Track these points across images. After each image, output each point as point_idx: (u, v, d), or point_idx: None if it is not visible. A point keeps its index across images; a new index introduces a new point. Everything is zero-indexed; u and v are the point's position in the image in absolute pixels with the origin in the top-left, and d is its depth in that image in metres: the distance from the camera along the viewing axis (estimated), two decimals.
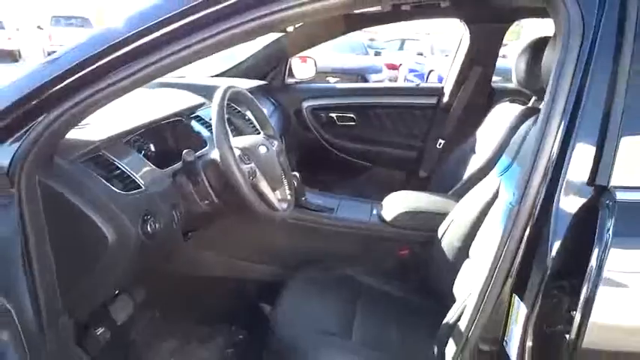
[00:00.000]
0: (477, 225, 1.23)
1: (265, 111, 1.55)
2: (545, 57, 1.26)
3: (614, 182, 0.71)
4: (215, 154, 1.24)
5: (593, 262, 0.68)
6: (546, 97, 0.79)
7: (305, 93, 2.57)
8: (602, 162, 0.72)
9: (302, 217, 1.66)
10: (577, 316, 0.69)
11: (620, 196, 0.69)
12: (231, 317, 1.70)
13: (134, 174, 1.12)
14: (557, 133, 0.76)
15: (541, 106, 0.85)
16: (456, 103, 2.39)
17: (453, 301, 1.10)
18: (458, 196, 1.53)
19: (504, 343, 0.83)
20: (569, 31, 0.77)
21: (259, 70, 2.41)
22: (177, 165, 1.28)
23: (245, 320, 1.67)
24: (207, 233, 1.53)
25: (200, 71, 2.31)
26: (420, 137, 2.52)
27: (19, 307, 0.77)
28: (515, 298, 0.80)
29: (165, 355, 1.55)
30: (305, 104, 2.54)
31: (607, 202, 0.70)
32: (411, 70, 9.66)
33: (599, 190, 0.72)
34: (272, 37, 2.38)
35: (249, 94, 1.45)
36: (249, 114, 1.71)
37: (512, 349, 0.79)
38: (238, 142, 1.32)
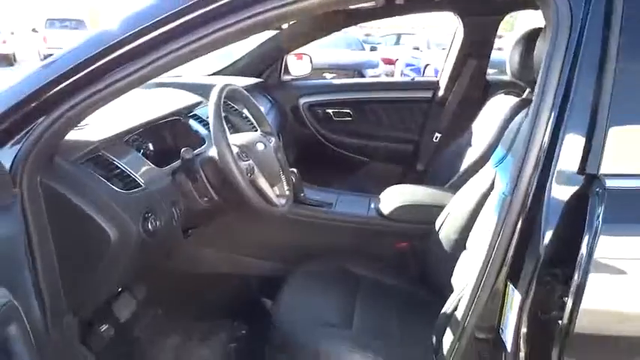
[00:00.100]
0: (474, 216, 1.24)
1: (262, 108, 1.56)
2: (537, 48, 1.28)
3: (603, 170, 0.73)
4: (213, 152, 1.26)
5: (584, 248, 0.70)
6: (537, 88, 0.81)
7: (301, 90, 2.58)
8: (591, 151, 0.74)
9: (301, 212, 1.68)
10: (569, 302, 0.71)
11: (610, 183, 0.71)
12: (233, 313, 1.72)
13: (134, 173, 1.14)
14: (547, 124, 0.78)
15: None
16: (452, 97, 2.41)
17: (451, 291, 1.12)
18: (455, 188, 1.54)
19: (500, 330, 0.85)
20: (557, 23, 0.79)
21: (255, 68, 2.42)
22: (176, 163, 1.30)
23: (246, 315, 1.68)
24: (207, 230, 1.55)
25: (196, 70, 2.32)
26: (417, 131, 2.53)
27: (26, 304, 0.79)
28: (510, 287, 0.82)
29: (169, 352, 1.57)
30: (301, 101, 2.55)
31: (597, 189, 0.71)
32: (408, 65, 9.67)
33: (589, 178, 0.74)
34: (267, 34, 2.39)
35: (245, 91, 1.46)
36: (246, 112, 1.73)
37: (508, 336, 0.81)
38: (236, 139, 1.34)
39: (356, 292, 1.39)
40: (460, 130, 2.06)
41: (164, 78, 1.92)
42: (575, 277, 0.70)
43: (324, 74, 6.11)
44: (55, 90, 0.85)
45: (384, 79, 6.85)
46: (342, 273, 1.49)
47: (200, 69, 2.35)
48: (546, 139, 0.78)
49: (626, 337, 0.75)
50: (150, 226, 1.10)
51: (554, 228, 0.75)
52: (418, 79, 3.47)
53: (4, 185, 0.79)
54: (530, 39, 1.37)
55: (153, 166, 1.23)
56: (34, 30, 13.26)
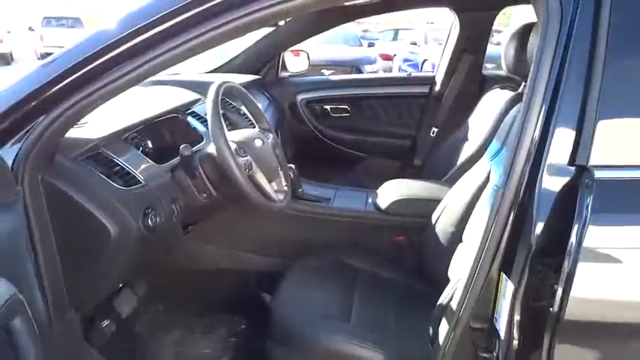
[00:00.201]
0: (469, 210, 1.26)
1: (260, 105, 1.57)
2: (530, 43, 1.29)
3: (592, 162, 0.74)
4: (211, 149, 1.27)
5: (574, 237, 0.71)
6: (528, 82, 0.83)
7: (299, 86, 2.59)
8: (581, 143, 0.75)
9: (299, 207, 1.70)
10: (559, 290, 0.73)
11: (599, 174, 0.72)
12: (233, 308, 1.73)
13: (133, 170, 1.15)
14: (538, 117, 0.79)
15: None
16: (448, 92, 2.42)
17: (447, 283, 1.14)
18: (451, 182, 1.55)
19: (494, 319, 0.87)
20: (547, 18, 0.80)
21: (252, 65, 2.43)
22: (175, 160, 1.31)
23: (246, 310, 1.70)
24: (206, 226, 1.56)
25: (194, 68, 2.33)
26: (414, 126, 2.54)
27: (30, 299, 0.81)
28: (503, 276, 0.83)
29: (170, 347, 1.58)
30: (299, 97, 2.56)
31: (586, 180, 0.73)
32: (406, 60, 9.66)
33: (579, 169, 0.75)
34: (264, 31, 2.40)
35: (243, 88, 1.48)
36: (243, 108, 1.74)
37: (501, 325, 0.82)
38: (234, 136, 1.35)
39: (354, 286, 1.41)
40: (457, 125, 2.08)
41: (162, 76, 1.93)
42: (565, 265, 0.72)
43: (322, 70, 6.11)
44: (54, 89, 0.86)
45: (380, 74, 6.85)
46: (340, 267, 1.51)
47: (197, 67, 2.36)
48: (537, 132, 0.79)
49: (614, 323, 0.77)
50: (150, 222, 1.12)
51: (546, 219, 0.76)
52: (415, 74, 3.48)
53: (7, 183, 0.81)
54: (524, 34, 1.38)
55: (152, 163, 1.25)
56: (30, 28, 13.23)
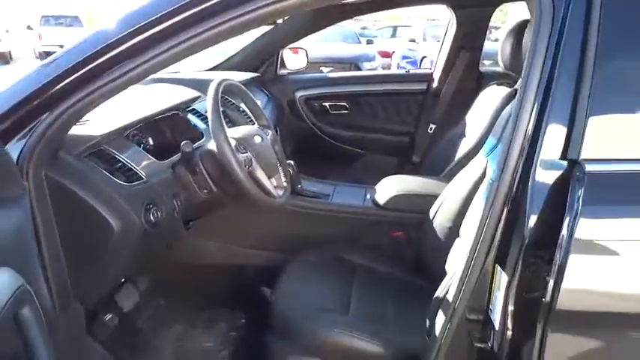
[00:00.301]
0: (466, 205, 1.27)
1: (259, 102, 1.59)
2: (525, 39, 1.31)
3: (583, 155, 0.76)
4: (212, 145, 1.29)
5: (565, 229, 0.73)
6: (521, 79, 0.85)
7: (298, 83, 2.60)
8: (572, 138, 0.77)
9: (298, 203, 1.72)
10: (551, 281, 0.75)
11: (589, 168, 0.74)
12: (233, 302, 1.75)
13: (135, 166, 1.17)
14: (531, 112, 0.81)
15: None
16: (446, 88, 2.43)
17: (444, 277, 1.16)
18: (449, 178, 1.57)
19: (489, 310, 0.89)
20: (540, 14, 0.82)
21: (252, 63, 2.44)
22: (176, 156, 1.33)
23: (246, 304, 1.72)
24: (207, 222, 1.58)
25: (193, 66, 2.35)
26: (412, 123, 2.56)
27: (37, 291, 0.83)
28: (498, 269, 0.85)
29: (171, 341, 1.60)
30: (298, 94, 2.58)
31: (578, 174, 0.75)
32: (404, 57, 9.67)
33: (570, 163, 0.77)
34: (263, 29, 2.41)
35: (242, 86, 1.49)
36: (243, 106, 1.75)
37: (496, 315, 0.84)
38: (234, 132, 1.37)
39: (352, 280, 1.43)
40: (455, 121, 2.09)
41: (162, 74, 1.94)
42: (557, 256, 0.74)
43: (321, 68, 6.12)
44: (56, 88, 0.88)
45: (379, 71, 6.85)
46: (339, 262, 1.52)
47: (197, 65, 2.38)
48: (530, 127, 0.81)
49: (604, 313, 0.79)
50: (152, 218, 1.14)
51: (539, 212, 0.78)
52: (413, 71, 3.49)
53: (14, 178, 0.83)
54: (520, 30, 1.40)
55: (153, 159, 1.26)
56: (29, 27, 13.20)
